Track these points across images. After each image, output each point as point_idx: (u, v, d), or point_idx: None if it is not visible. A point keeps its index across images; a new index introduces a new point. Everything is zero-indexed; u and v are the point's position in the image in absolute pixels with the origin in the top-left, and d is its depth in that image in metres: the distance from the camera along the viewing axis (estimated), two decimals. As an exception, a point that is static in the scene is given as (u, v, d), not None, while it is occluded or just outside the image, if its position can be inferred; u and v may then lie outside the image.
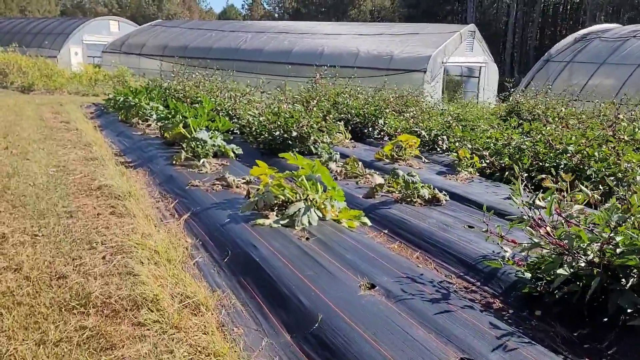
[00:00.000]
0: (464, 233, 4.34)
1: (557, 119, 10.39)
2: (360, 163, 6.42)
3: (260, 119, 7.67)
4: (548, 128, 7.41)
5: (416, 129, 9.25)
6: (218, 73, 12.66)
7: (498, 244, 3.75)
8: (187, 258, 3.72)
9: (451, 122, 9.35)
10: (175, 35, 29.93)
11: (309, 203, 4.43)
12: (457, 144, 8.64)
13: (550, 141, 6.74)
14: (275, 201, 4.55)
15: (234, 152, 6.87)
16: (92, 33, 32.67)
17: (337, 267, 3.44)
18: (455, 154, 7.75)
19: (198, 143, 6.58)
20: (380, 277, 3.34)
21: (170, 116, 7.63)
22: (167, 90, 10.95)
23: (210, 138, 6.67)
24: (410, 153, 7.83)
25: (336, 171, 6.56)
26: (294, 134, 7.38)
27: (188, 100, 10.54)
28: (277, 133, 7.40)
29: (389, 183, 5.95)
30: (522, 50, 43.22)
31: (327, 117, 7.50)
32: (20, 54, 19.76)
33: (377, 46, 24.11)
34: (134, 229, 3.99)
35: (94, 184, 5.20)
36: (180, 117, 7.58)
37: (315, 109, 7.49)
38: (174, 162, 6.29)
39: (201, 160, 6.17)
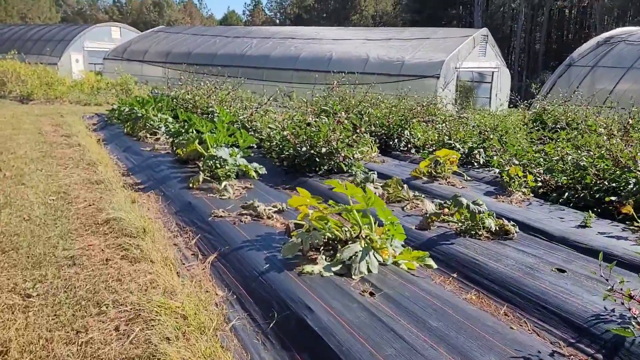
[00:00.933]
0: (556, 280, 3.52)
1: (602, 128, 9.58)
2: (405, 186, 5.60)
3: (284, 133, 6.87)
4: (612, 141, 6.59)
5: (449, 142, 8.45)
6: (229, 81, 11.87)
7: (609, 297, 2.94)
8: (222, 321, 2.91)
9: (487, 133, 8.55)
10: (179, 41, 29.20)
11: (365, 243, 3.62)
12: (497, 158, 7.85)
13: (619, 157, 5.93)
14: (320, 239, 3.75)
15: (256, 172, 6.06)
16: (94, 40, 31.95)
17: (422, 341, 2.63)
18: (500, 170, 6.96)
19: (217, 162, 5.78)
20: (482, 356, 2.53)
21: (182, 130, 6.84)
22: (176, 100, 10.15)
23: (231, 156, 5.87)
24: (449, 170, 7.03)
25: (375, 194, 5.76)
26: (323, 150, 6.58)
27: (198, 111, 9.76)
28: (304, 149, 6.61)
29: (440, 209, 5.15)
30: (529, 55, 42.49)
31: (359, 130, 6.71)
32: (19, 62, 19.00)
33: (387, 51, 23.37)
34: (152, 281, 3.19)
35: (101, 216, 4.40)
36: (194, 132, 6.80)
37: (346, 121, 6.70)
38: (190, 185, 5.49)
39: (223, 184, 5.37)
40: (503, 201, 5.95)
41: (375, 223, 3.89)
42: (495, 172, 7.45)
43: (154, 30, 32.27)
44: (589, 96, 13.95)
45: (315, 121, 6.85)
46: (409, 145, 9.42)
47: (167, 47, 28.60)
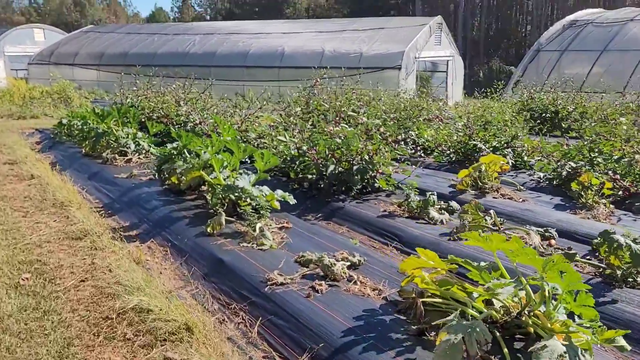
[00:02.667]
0: None
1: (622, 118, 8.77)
2: (493, 211, 4.38)
3: (303, 147, 5.52)
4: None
5: (473, 142, 7.34)
6: (197, 83, 10.31)
7: None
8: None
9: (515, 130, 7.49)
10: (112, 41, 26.87)
11: (563, 338, 2.36)
12: (539, 161, 6.81)
13: None
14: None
15: (278, 201, 4.68)
16: (15, 43, 28.96)
17: None
18: (547, 174, 5.91)
19: (236, 194, 4.38)
20: None
21: (174, 152, 5.35)
22: (143, 111, 8.52)
23: (254, 186, 4.48)
24: (496, 179, 5.91)
25: (438, 220, 4.53)
26: (356, 166, 5.29)
27: (173, 121, 8.21)
28: (331, 167, 5.28)
29: (544, 239, 3.99)
30: (472, 42, 42.54)
31: (388, 139, 5.46)
32: None
33: (343, 44, 22.22)
34: None
35: (108, 303, 2.92)
36: (188, 154, 5.34)
37: (379, 129, 5.41)
38: (208, 229, 4.06)
39: (256, 226, 3.97)
40: (587, 217, 4.88)
41: (551, 298, 2.64)
42: (538, 176, 6.41)
43: (83, 31, 29.69)
44: (565, 81, 13.33)
45: (336, 130, 5.54)
46: (418, 148, 8.26)
47: (99, 48, 26.25)
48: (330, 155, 5.40)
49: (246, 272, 3.38)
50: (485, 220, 4.29)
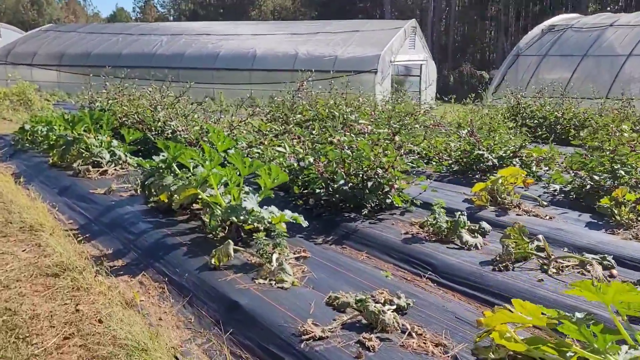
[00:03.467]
0: None
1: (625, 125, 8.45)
2: (542, 236, 3.84)
3: (309, 159, 4.90)
4: None
5: (479, 151, 6.86)
6: (174, 86, 9.55)
7: None
8: None
9: (522, 139, 7.04)
10: (74, 41, 25.63)
11: None
12: (555, 172, 6.37)
13: None
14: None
15: (285, 223, 4.05)
16: (-32, 42, 27.35)
17: None
18: (563, 187, 5.45)
19: (242, 217, 3.74)
20: None
21: (162, 166, 4.66)
22: (115, 116, 7.72)
23: (263, 207, 3.84)
24: (516, 193, 5.42)
25: (472, 245, 3.98)
26: (370, 182, 4.70)
27: (149, 128, 7.48)
28: (340, 182, 4.68)
29: (605, 269, 3.49)
30: (439, 46, 42.62)
31: (402, 150, 4.89)
32: None
33: (317, 46, 21.69)
34: None
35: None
36: (180, 167, 4.67)
37: (397, 139, 4.82)
38: (214, 261, 3.40)
39: (273, 258, 3.33)
40: (628, 238, 4.41)
41: None
42: (554, 189, 5.97)
43: (42, 29, 28.32)
44: (547, 86, 13.10)
45: (345, 140, 4.93)
46: (415, 157, 7.74)
47: (60, 48, 24.99)
48: (339, 169, 4.80)
49: (271, 320, 2.74)
50: (530, 246, 3.75)
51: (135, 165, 6.52)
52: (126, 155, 6.56)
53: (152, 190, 4.66)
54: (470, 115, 9.72)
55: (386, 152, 4.82)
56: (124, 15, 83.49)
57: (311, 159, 4.84)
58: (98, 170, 6.13)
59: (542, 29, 17.09)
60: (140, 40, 24.69)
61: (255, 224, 3.88)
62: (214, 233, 4.02)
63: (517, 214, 5.03)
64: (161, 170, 4.62)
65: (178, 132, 6.86)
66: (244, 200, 3.75)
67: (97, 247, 4.12)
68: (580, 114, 11.16)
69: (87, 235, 4.37)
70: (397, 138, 4.79)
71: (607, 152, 5.88)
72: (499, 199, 5.30)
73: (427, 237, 4.22)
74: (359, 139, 5.02)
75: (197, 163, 4.64)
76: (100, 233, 4.39)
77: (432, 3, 39.71)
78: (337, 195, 4.75)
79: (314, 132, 5.46)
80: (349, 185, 4.70)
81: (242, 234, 3.97)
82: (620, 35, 15.06)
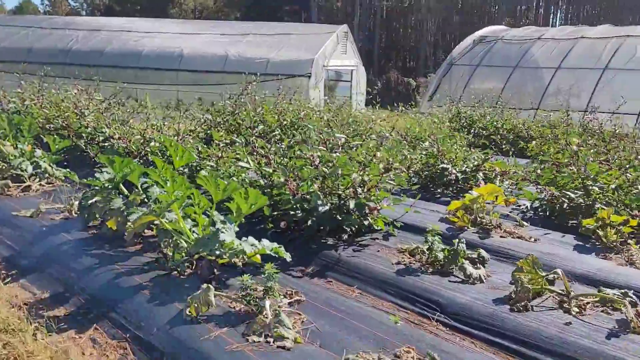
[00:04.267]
0: None
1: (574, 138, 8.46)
2: (560, 271, 3.44)
3: (279, 178, 4.29)
4: None
5: (443, 165, 6.52)
6: (108, 86, 8.60)
7: None
8: None
9: (485, 152, 6.78)
10: (-25, 33, 23.34)
11: None
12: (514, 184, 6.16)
13: None
14: None
15: (265, 255, 3.44)
16: None
17: None
18: (540, 205, 5.20)
19: (217, 252, 3.09)
20: None
21: (108, 186, 3.90)
22: (36, 121, 6.70)
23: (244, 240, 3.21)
24: (495, 212, 5.09)
25: (477, 278, 3.55)
26: (352, 202, 4.16)
27: (76, 134, 6.56)
28: (318, 203, 4.12)
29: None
30: (365, 53, 42.98)
31: (391, 166, 4.40)
32: None
33: (248, 48, 20.98)
34: None
35: None
36: (129, 189, 3.93)
37: (378, 155, 4.31)
38: (189, 311, 2.74)
39: (265, 306, 2.72)
40: (623, 264, 4.16)
41: None
42: (525, 206, 5.71)
43: (-64, 19, 25.66)
44: (480, 96, 13.23)
45: (323, 155, 4.38)
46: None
47: (-43, 41, 22.69)
48: (317, 189, 4.24)
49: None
50: (546, 280, 3.37)
51: (63, 178, 5.64)
52: (52, 168, 5.65)
53: (96, 215, 3.88)
54: (422, 125, 9.46)
55: (367, 168, 4.31)
56: (32, 7, 78.25)
57: (282, 178, 4.24)
58: (20, 186, 5.20)
59: (473, 40, 17.36)
60: (54, 35, 22.89)
61: (233, 259, 3.24)
62: (179, 270, 3.33)
63: (501, 236, 4.69)
64: (108, 191, 3.85)
65: (114, 141, 6.02)
66: (222, 232, 3.10)
67: (29, 289, 3.31)
68: (519, 125, 11.26)
69: (13, 273, 3.54)
70: (379, 154, 4.29)
71: (578, 169, 5.70)
72: (478, 218, 4.96)
73: (422, 268, 3.75)
74: (334, 153, 4.48)
75: (149, 183, 3.92)
76: (31, 269, 3.57)
77: (359, 10, 39.96)
78: (313, 219, 4.19)
79: (282, 144, 4.85)
80: (330, 208, 4.14)
81: (216, 270, 3.32)
82: (547, 48, 15.52)
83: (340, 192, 4.28)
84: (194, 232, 3.49)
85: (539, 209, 5.65)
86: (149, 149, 5.74)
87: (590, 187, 5.41)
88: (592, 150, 6.57)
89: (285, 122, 8.54)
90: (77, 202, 4.69)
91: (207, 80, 20.25)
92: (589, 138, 8.68)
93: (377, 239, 4.37)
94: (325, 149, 4.69)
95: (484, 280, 3.57)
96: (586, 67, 14.18)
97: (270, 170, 4.36)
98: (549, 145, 8.84)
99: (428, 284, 3.49)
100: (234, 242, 3.10)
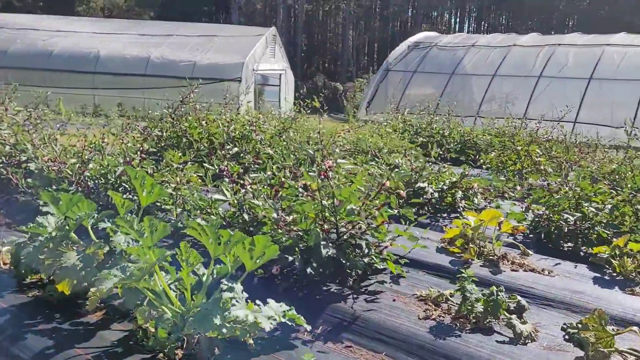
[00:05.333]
0: None
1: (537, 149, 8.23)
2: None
3: (272, 215, 3.52)
4: None
5: (420, 184, 5.98)
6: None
7: None
8: None
9: (464, 168, 6.30)
10: None
11: None
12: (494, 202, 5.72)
13: None
14: None
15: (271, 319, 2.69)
16: None
17: None
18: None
19: (226, 328, 2.31)
20: None
21: (58, 234, 2.97)
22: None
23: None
24: (498, 241, 4.58)
25: (527, 337, 2.96)
26: (364, 244, 3.47)
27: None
28: (320, 244, 3.39)
29: None
30: (288, 56, 42.37)
31: (399, 193, 3.73)
32: None
33: (172, 50, 19.79)
34: None
35: None
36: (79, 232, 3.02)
37: (387, 184, 3.62)
38: None
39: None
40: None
41: None
42: (514, 227, 5.27)
43: None
44: (418, 102, 13.02)
45: (324, 185, 3.66)
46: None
47: None
48: (316, 226, 3.51)
49: None
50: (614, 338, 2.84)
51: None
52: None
53: (42, 272, 2.94)
54: (382, 137, 8.92)
55: (375, 200, 3.64)
56: None
57: (274, 214, 3.47)
58: None
59: (407, 45, 17.20)
60: (-55, 31, 20.54)
61: (244, 337, 2.46)
62: (165, 352, 2.50)
63: (513, 270, 4.18)
64: (55, 241, 2.93)
65: (41, 163, 4.96)
66: (233, 306, 2.31)
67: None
68: (467, 134, 11.06)
69: None
70: (387, 183, 3.63)
71: (573, 187, 5.32)
72: (479, 248, 4.43)
73: (457, 324, 3.12)
74: (331, 182, 3.76)
75: (110, 228, 3.03)
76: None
77: (280, 13, 39.31)
78: (314, 264, 3.45)
79: (266, 171, 4.05)
80: (331, 249, 3.42)
81: (217, 349, 2.51)
82: (482, 56, 15.60)
83: (343, 229, 3.58)
84: (180, 299, 2.67)
85: (530, 233, 5.25)
86: (88, 174, 4.75)
87: (587, 208, 5.05)
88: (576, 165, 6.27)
89: (234, 135, 7.70)
90: (4, 248, 3.69)
91: (128, 84, 18.84)
92: (550, 149, 8.52)
93: (385, 282, 3.71)
94: (315, 173, 3.96)
95: (536, 338, 3.00)
96: (522, 75, 14.33)
97: (260, 204, 3.57)
98: (508, 156, 8.62)
99: (474, 348, 2.86)
100: (248, 319, 2.32)
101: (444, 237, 4.70)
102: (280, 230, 3.58)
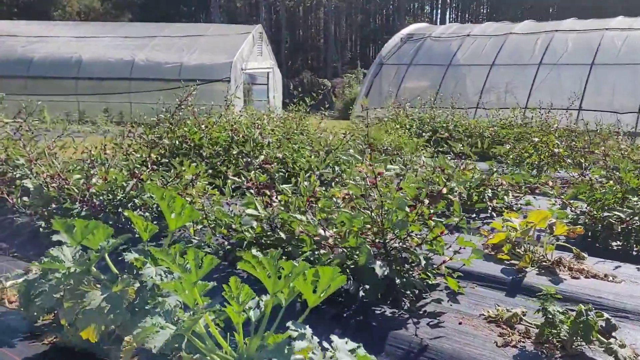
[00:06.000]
0: None
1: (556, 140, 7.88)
2: None
3: (310, 229, 3.08)
4: None
5: (451, 184, 5.58)
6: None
7: None
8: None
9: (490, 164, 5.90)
10: None
11: None
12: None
13: None
14: None
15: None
16: None
17: None
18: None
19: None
20: None
21: (77, 269, 2.51)
22: None
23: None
24: (550, 245, 4.18)
25: None
26: (423, 260, 3.05)
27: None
28: (375, 265, 2.97)
29: None
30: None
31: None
32: None
33: (157, 52, 19.21)
34: None
35: None
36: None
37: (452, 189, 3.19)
38: None
39: None
40: None
41: None
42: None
43: None
44: (419, 95, 12.68)
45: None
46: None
47: None
48: (366, 241, 3.09)
49: None
50: None
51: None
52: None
53: (62, 317, 2.48)
54: (389, 134, 8.50)
55: (429, 208, 3.22)
56: None
57: (321, 230, 3.04)
58: None
59: (400, 38, 16.81)
60: None
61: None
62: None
63: (573, 276, 3.79)
64: (74, 278, 2.47)
65: (39, 180, 4.47)
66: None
67: None
68: (476, 125, 10.73)
69: None
70: (444, 190, 3.21)
71: (617, 181, 4.95)
72: (529, 253, 4.04)
73: (541, 350, 2.72)
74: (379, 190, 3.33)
75: (138, 260, 2.58)
76: None
77: (262, 10, 38.74)
78: (366, 286, 3.03)
79: (304, 183, 3.61)
80: (386, 268, 3.00)
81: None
82: (478, 45, 15.26)
83: (396, 244, 3.16)
84: (231, 339, 2.23)
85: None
86: (94, 190, 4.28)
87: (636, 203, 4.69)
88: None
89: (237, 139, 7.23)
90: (8, 283, 3.22)
91: (113, 89, 18.25)
92: (569, 139, 8.18)
93: (442, 300, 3.29)
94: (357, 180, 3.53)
95: (638, 364, 2.62)
96: (521, 64, 14.02)
97: (303, 219, 3.13)
98: (525, 149, 8.26)
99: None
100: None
101: (487, 243, 4.29)
102: (322, 250, 3.15)
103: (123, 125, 18.18)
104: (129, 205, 4.33)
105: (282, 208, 3.51)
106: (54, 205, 4.35)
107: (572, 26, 14.45)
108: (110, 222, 4.11)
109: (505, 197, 5.78)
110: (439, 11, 54.11)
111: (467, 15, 53.04)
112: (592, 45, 13.26)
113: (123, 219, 4.25)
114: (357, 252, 3.10)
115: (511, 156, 8.06)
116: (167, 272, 2.56)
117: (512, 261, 4.02)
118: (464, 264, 3.26)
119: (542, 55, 13.73)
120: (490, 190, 5.74)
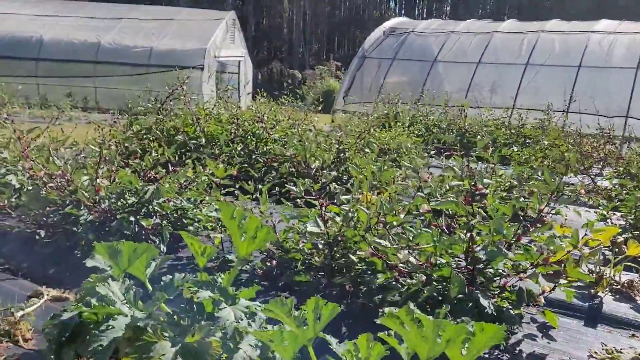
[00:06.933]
0: None
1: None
2: None
3: (408, 259, 2.58)
4: None
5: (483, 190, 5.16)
6: None
7: None
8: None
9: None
10: None
11: None
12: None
13: None
14: None
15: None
16: None
17: None
18: None
19: None
20: None
21: (142, 318, 1.93)
22: None
23: None
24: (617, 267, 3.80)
25: None
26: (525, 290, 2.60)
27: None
28: (481, 299, 2.50)
29: None
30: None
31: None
32: None
33: (125, 35, 18.18)
34: None
35: None
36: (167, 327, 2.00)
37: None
38: None
39: None
40: None
41: None
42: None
43: None
44: (403, 91, 12.33)
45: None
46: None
47: None
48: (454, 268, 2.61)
49: None
50: None
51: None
52: None
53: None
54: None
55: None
56: None
57: (412, 259, 2.54)
58: None
59: (383, 31, 16.40)
60: None
61: None
62: None
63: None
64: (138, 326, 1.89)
65: (37, 185, 3.79)
66: None
67: None
68: (473, 123, 10.45)
69: None
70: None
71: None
72: (607, 278, 3.66)
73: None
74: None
75: (215, 297, 2.02)
76: None
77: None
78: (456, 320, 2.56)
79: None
80: (491, 299, 2.54)
81: None
82: (464, 42, 15.01)
83: (490, 271, 2.69)
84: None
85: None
86: (103, 194, 3.64)
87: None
88: None
89: (238, 132, 6.63)
90: (19, 314, 2.59)
91: (76, 72, 17.16)
92: (579, 143, 7.93)
93: (536, 336, 2.85)
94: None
95: None
96: (507, 63, 13.84)
97: (387, 244, 2.62)
98: (536, 151, 8.00)
99: None
100: None
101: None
102: (400, 277, 2.66)
103: (89, 111, 17.03)
104: (143, 211, 3.72)
105: (341, 223, 2.98)
106: (50, 209, 3.70)
107: (557, 27, 14.37)
108: (125, 232, 3.50)
109: (539, 206, 5.41)
110: (402, 6, 54.22)
111: (435, 14, 53.29)
112: (579, 47, 13.19)
113: (136, 228, 3.64)
114: (447, 282, 2.62)
115: (519, 158, 7.78)
116: (247, 315, 2.01)
117: (578, 283, 3.62)
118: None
119: (529, 55, 13.58)
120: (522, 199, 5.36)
